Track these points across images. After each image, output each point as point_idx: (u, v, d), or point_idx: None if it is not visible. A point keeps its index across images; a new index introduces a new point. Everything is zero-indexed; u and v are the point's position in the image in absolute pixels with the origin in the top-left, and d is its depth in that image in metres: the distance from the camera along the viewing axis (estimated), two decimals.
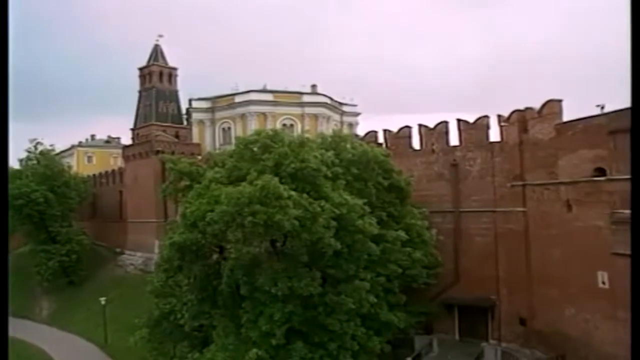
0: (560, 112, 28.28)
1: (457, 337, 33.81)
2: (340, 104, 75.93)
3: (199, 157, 48.46)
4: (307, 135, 27.82)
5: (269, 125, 62.87)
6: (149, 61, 68.13)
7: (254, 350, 20.81)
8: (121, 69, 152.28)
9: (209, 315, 26.12)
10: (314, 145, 25.56)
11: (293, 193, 20.89)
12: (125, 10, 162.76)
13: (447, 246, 32.84)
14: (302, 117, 68.88)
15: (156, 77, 66.56)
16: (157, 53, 68.26)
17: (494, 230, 31.93)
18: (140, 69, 68.17)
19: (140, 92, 68.21)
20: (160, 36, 68.21)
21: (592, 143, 25.28)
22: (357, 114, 79.51)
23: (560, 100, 28.39)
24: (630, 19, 10.14)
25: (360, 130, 59.39)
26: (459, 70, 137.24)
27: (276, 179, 20.81)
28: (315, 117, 69.35)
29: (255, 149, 24.07)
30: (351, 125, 76.63)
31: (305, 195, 21.81)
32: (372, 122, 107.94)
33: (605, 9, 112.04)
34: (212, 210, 20.51)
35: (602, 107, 26.00)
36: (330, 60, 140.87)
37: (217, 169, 24.82)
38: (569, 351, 27.10)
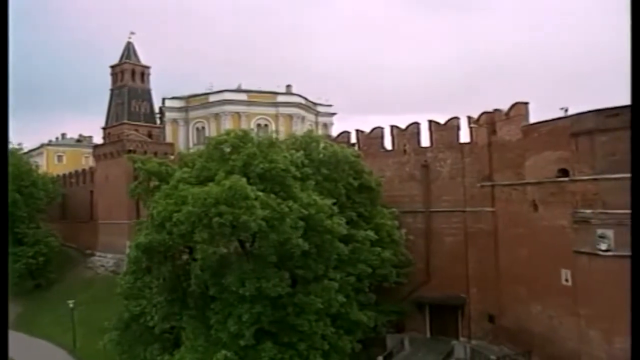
0: (526, 114, 28.94)
1: (428, 335, 34.23)
2: (315, 104, 76.00)
3: (172, 157, 47.93)
4: (275, 135, 27.72)
5: (244, 125, 62.48)
6: (121, 59, 67.14)
7: (223, 351, 20.73)
8: (94, 66, 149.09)
9: (180, 317, 25.88)
10: (283, 145, 25.55)
11: (260, 194, 20.86)
12: (97, 7, 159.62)
13: (418, 246, 33.23)
14: (276, 117, 68.66)
15: (128, 76, 65.64)
16: (129, 51, 67.28)
17: (464, 230, 32.44)
18: (112, 67, 67.10)
19: (111, 90, 67.14)
20: (133, 33, 67.31)
21: (556, 145, 25.93)
22: (332, 115, 79.70)
23: (526, 103, 29.05)
24: (630, 19, 10.32)
25: (335, 131, 59.61)
26: (435, 72, 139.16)
27: (244, 179, 20.73)
28: (290, 117, 69.24)
29: (224, 149, 23.94)
30: (326, 126, 76.78)
31: (273, 195, 21.81)
32: (348, 122, 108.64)
33: (579, 15, 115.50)
34: (178, 211, 20.33)
35: (566, 110, 26.74)
36: (308, 61, 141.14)
37: (185, 169, 24.59)
38: (535, 347, 27.77)
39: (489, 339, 31.39)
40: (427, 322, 34.40)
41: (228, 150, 23.59)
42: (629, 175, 21.76)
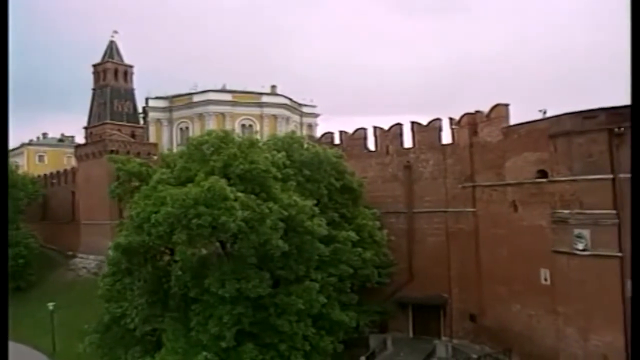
0: (507, 116, 29.26)
1: (411, 334, 34.46)
2: (300, 105, 76.00)
3: (155, 157, 47.55)
4: (257, 136, 27.71)
5: (228, 126, 62.19)
6: (103, 58, 66.39)
7: (204, 353, 20.66)
8: (76, 65, 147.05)
9: (162, 319, 25.69)
10: (264, 146, 25.52)
11: (240, 195, 20.81)
12: (80, 6, 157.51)
13: (401, 246, 33.46)
14: (261, 117, 68.48)
15: (111, 75, 64.94)
16: (112, 50, 66.55)
17: (445, 230, 32.69)
18: (95, 66, 66.28)
19: (94, 89, 66.31)
20: (116, 32, 66.60)
21: (535, 146, 26.29)
22: (317, 115, 79.77)
23: (507, 105, 29.40)
24: (630, 19, 10.40)
25: (320, 131, 59.58)
26: (420, 73, 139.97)
27: (223, 180, 20.67)
28: (275, 117, 69.11)
29: (205, 149, 23.85)
30: (311, 126, 76.82)
31: (253, 196, 21.76)
32: (333, 123, 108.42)
33: (562, 18, 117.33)
34: (157, 212, 20.20)
35: (544, 112, 27.20)
36: (293, 62, 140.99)
37: (164, 169, 24.43)
38: (515, 345, 28.12)
39: (471, 338, 31.68)
40: (410, 321, 34.62)
41: (209, 151, 23.49)
42: (605, 176, 22.47)
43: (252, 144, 24.47)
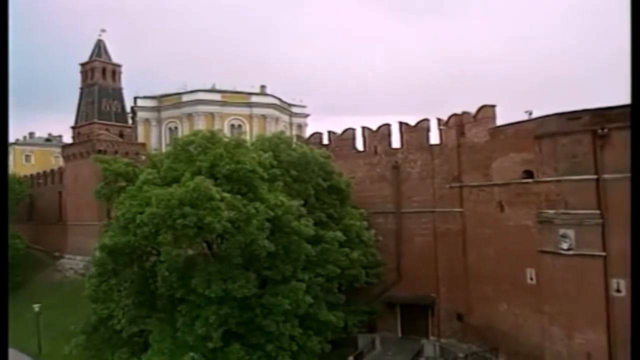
0: (494, 117, 29.55)
1: (399, 334, 34.63)
2: (290, 105, 75.95)
3: (143, 157, 47.20)
4: (244, 136, 27.70)
5: (217, 126, 61.97)
6: (91, 57, 65.81)
7: (190, 354, 20.59)
8: (64, 63, 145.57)
9: (149, 320, 25.53)
10: (251, 146, 25.49)
11: (227, 195, 20.76)
12: (68, 4, 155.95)
13: (389, 246, 33.61)
14: (250, 117, 68.31)
15: (99, 74, 64.40)
16: (99, 48, 66.01)
17: (433, 230, 32.89)
18: (82, 65, 65.69)
19: (81, 89, 65.74)
20: (103, 31, 66.07)
21: (521, 147, 26.56)
22: (306, 115, 79.76)
23: (493, 106, 29.67)
24: (630, 19, 10.44)
25: (310, 132, 59.57)
26: (410, 74, 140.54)
27: (208, 180, 20.62)
28: (264, 117, 68.97)
29: (192, 150, 23.75)
30: (300, 127, 76.80)
31: (239, 196, 21.72)
32: (323, 123, 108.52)
33: (551, 21, 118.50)
34: (142, 212, 20.10)
35: (530, 113, 27.47)
36: (284, 62, 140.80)
37: (149, 170, 24.31)
38: (501, 344, 28.40)
39: (458, 337, 31.93)
40: (398, 321, 34.79)
41: (195, 151, 23.40)
42: (589, 176, 22.74)
43: (239, 144, 24.40)
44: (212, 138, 23.96)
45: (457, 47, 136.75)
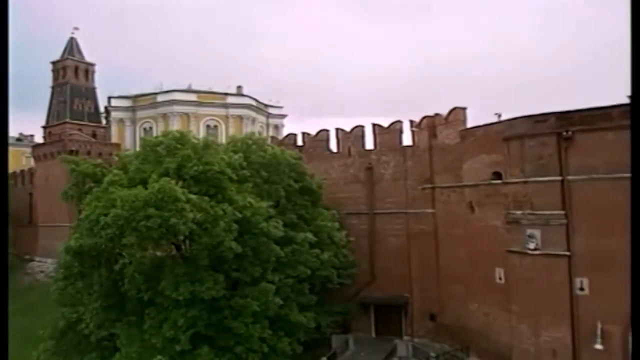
0: (464, 119, 29.97)
1: (373, 334, 34.82)
2: (267, 106, 75.68)
3: (117, 158, 46.47)
4: (212, 138, 27.54)
5: (193, 126, 61.49)
6: (63, 55, 64.47)
7: (158, 357, 20.37)
8: (35, 61, 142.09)
9: (119, 323, 25.17)
10: (221, 148, 25.33)
11: (193, 196, 20.60)
12: (40, 2, 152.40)
13: (362, 247, 33.81)
14: (226, 118, 67.82)
15: (71, 73, 63.18)
16: (72, 47, 64.73)
17: (406, 231, 33.15)
18: (54, 63, 64.33)
19: (53, 87, 64.37)
20: (76, 29, 64.82)
21: (490, 149, 26.99)
22: (283, 116, 79.57)
23: (464, 108, 30.09)
24: (631, 19, 10.59)
25: (287, 133, 59.54)
26: (389, 76, 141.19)
27: (173, 182, 20.43)
28: (240, 118, 68.53)
29: (160, 150, 23.52)
30: (277, 128, 76.59)
31: (207, 198, 21.59)
32: (303, 124, 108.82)
33: (529, 24, 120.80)
34: (107, 214, 19.84)
35: (499, 116, 27.99)
36: (263, 63, 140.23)
37: (116, 171, 24.00)
38: (472, 343, 28.82)
39: (431, 336, 32.24)
40: (372, 321, 34.99)
41: (164, 152, 23.17)
42: (554, 178, 23.27)
43: (208, 145, 24.25)
44: (181, 139, 23.74)
45: (438, 48, 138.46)
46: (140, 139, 61.56)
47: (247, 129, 63.86)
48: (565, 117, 22.99)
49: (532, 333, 23.90)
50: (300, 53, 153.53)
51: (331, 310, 30.92)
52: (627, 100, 24.95)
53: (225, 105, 68.54)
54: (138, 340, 22.48)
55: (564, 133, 22.89)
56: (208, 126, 66.39)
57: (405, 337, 33.18)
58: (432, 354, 28.73)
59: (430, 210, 31.82)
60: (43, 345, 28.46)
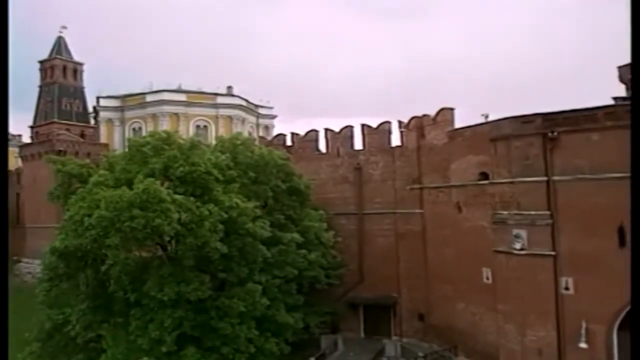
0: (452, 120, 30.13)
1: (362, 334, 34.84)
2: (257, 106, 75.45)
3: (105, 159, 46.15)
4: (197, 138, 27.44)
5: (182, 127, 61.21)
6: (51, 54, 63.90)
7: (144, 358, 20.26)
8: (23, 60, 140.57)
9: (108, 325, 24.99)
10: (210, 148, 25.26)
11: (179, 197, 20.53)
12: (28, 1, 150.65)
13: (351, 247, 33.85)
14: (216, 118, 67.55)
15: (59, 72, 62.65)
16: (60, 46, 64.17)
17: (394, 232, 33.22)
18: (41, 62, 63.75)
19: (40, 87, 63.78)
20: (64, 28, 64.23)
21: (477, 149, 27.12)
22: (274, 117, 79.37)
23: (452, 109, 30.25)
24: (631, 19, 10.62)
25: (276, 133, 59.36)
26: (382, 76, 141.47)
27: (159, 182, 20.35)
28: (230, 118, 68.23)
29: (146, 151, 23.40)
30: (267, 128, 76.41)
31: (192, 198, 21.53)
32: (294, 125, 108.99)
33: (515, 25, 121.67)
34: (91, 215, 19.71)
35: (487, 116, 28.17)
36: (255, 64, 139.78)
37: (101, 171, 23.87)
38: (460, 343, 28.95)
39: (419, 336, 32.34)
40: (361, 322, 35.01)
41: (150, 152, 23.05)
42: (539, 178, 23.47)
43: (194, 145, 24.16)
44: (167, 139, 23.65)
45: (429, 49, 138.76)
46: (128, 139, 61.36)
47: (237, 129, 63.57)
48: (550, 118, 23.14)
49: (518, 332, 24.04)
50: (291, 53, 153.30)
51: (320, 310, 30.92)
52: (611, 102, 25.45)
53: (215, 106, 68.24)
54: (124, 342, 22.35)
55: (550, 134, 23.03)
56: (198, 126, 66.04)
57: (394, 337, 33.26)
58: (420, 354, 28.83)
59: (418, 211, 31.92)
60: (29, 348, 28.15)
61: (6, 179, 20.43)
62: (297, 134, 37.30)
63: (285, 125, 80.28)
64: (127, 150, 27.74)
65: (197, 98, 67.69)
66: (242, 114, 70.54)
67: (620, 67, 32.09)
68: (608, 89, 32.74)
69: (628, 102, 23.54)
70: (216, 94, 68.76)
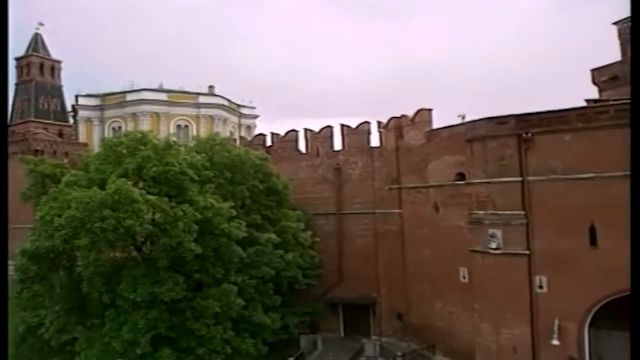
0: (430, 121, 30.37)
1: (342, 334, 34.93)
2: (239, 106, 75.01)
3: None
4: (174, 138, 27.20)
5: (163, 127, 60.63)
6: (27, 51, 62.73)
7: None
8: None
9: (83, 327, 24.63)
10: (184, 148, 25.08)
11: (152, 197, 20.34)
12: None
13: (331, 247, 33.92)
14: (198, 118, 66.95)
15: (36, 70, 61.47)
16: (37, 43, 62.97)
17: (374, 232, 33.35)
18: (18, 60, 62.53)
19: (17, 85, 62.52)
20: (42, 25, 63.00)
21: (454, 150, 27.38)
22: (256, 117, 79.07)
23: (430, 110, 30.50)
24: (631, 19, 10.70)
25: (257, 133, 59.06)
26: (367, 76, 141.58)
27: (131, 183, 20.14)
28: (212, 118, 67.66)
29: (120, 151, 23.14)
30: (249, 128, 76.03)
31: (166, 199, 21.34)
32: (278, 125, 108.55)
33: (505, 24, 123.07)
34: (61, 216, 19.42)
35: (464, 117, 28.45)
36: (239, 64, 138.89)
37: (74, 171, 23.55)
38: (438, 342, 29.20)
39: (399, 336, 32.52)
40: (341, 322, 35.09)
41: (125, 152, 22.80)
42: (514, 179, 23.81)
43: (170, 146, 23.96)
44: (142, 139, 23.41)
45: (413, 50, 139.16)
46: (102, 139, 60.61)
47: (219, 129, 63.15)
48: (525, 120, 23.47)
49: (493, 331, 24.32)
50: (277, 54, 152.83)
51: (299, 311, 30.91)
52: (584, 104, 25.94)
53: (197, 106, 67.61)
54: (98, 344, 22.05)
55: (524, 135, 23.35)
56: (179, 126, 65.36)
57: (374, 337, 33.36)
58: (399, 354, 28.98)
59: (397, 211, 32.11)
60: None
61: (6, 179, 20.14)
62: (277, 135, 37.21)
63: (269, 125, 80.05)
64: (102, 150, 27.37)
65: (179, 98, 67.03)
66: (224, 114, 70.06)
67: (593, 70, 32.81)
68: (583, 92, 33.35)
69: (599, 104, 24.18)
70: (198, 94, 68.15)
